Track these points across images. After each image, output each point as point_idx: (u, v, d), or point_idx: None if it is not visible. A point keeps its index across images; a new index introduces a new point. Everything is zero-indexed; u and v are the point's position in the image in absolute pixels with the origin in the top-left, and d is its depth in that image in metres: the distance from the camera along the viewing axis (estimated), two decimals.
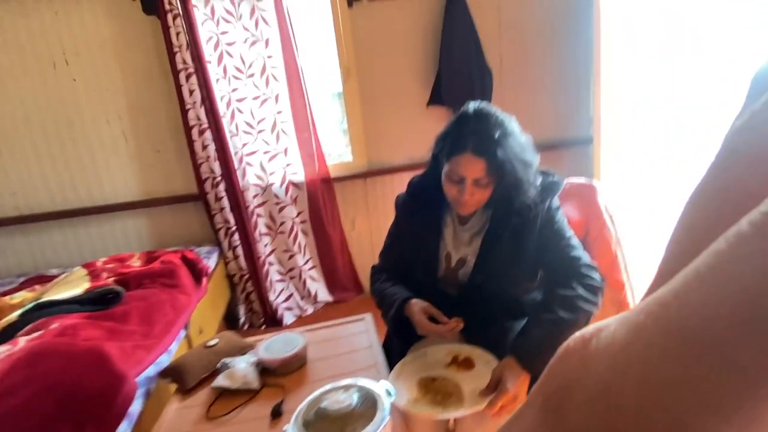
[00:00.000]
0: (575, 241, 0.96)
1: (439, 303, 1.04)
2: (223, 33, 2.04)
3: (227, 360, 1.05)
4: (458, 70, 2.30)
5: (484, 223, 1.00)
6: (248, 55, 2.08)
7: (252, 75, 2.10)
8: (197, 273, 1.82)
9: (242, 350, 1.12)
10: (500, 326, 0.99)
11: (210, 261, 2.02)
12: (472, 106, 0.94)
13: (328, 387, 0.79)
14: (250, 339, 1.20)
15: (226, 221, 2.13)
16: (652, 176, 1.98)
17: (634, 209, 1.94)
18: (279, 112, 2.16)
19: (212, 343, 1.13)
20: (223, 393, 0.99)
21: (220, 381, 0.99)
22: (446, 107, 2.34)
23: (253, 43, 2.07)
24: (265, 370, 1.04)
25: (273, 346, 1.08)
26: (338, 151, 2.61)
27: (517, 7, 2.37)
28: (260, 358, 1.03)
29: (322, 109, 2.48)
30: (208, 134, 2.04)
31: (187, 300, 1.64)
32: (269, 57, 2.10)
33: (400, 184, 1.96)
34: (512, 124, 0.92)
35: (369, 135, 2.38)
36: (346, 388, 0.77)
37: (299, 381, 1.01)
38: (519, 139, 0.92)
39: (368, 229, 2.49)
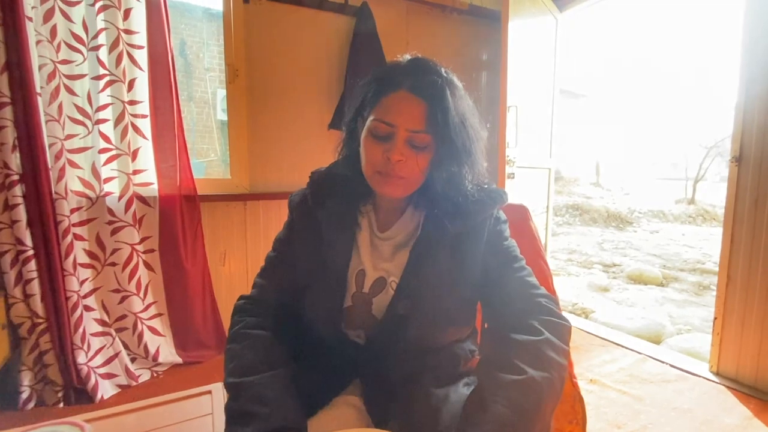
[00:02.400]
0: (527, 266, 0.69)
1: (338, 358, 0.66)
2: None
3: None
4: None
5: (413, 231, 0.69)
6: (95, 21, 1.55)
7: (97, 47, 1.56)
8: None
9: None
10: (426, 395, 0.62)
11: None
12: (406, 55, 0.67)
13: None
14: None
15: (19, 241, 1.42)
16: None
17: None
18: (132, 102, 1.63)
19: None
20: None
21: None
22: None
23: (105, 9, 1.56)
24: None
25: None
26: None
27: (424, 47, 2.34)
28: None
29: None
30: (7, 112, 1.39)
31: None
32: (126, 31, 1.60)
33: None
34: (458, 80, 0.66)
35: (255, 149, 1.98)
36: None
37: None
38: (467, 98, 0.66)
39: (243, 265, 1.98)
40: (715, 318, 1.73)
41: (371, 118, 0.62)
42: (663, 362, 1.84)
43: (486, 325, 0.88)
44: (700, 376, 1.70)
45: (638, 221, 8.50)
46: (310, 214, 0.69)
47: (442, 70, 0.63)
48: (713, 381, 1.67)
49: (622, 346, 2.02)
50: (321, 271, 0.67)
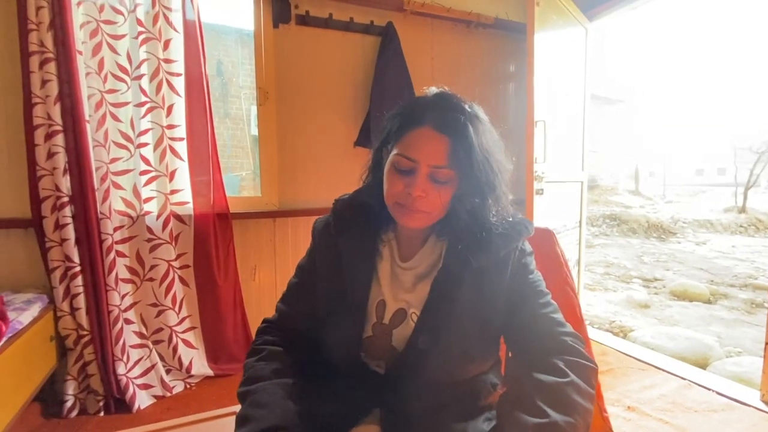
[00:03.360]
0: (553, 301, 0.67)
1: (357, 387, 0.66)
2: (108, 22, 1.63)
3: None
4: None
5: (435, 261, 0.68)
6: (138, 52, 1.66)
7: (140, 77, 1.67)
8: None
9: None
10: (445, 429, 0.61)
11: (25, 314, 1.38)
12: (432, 88, 0.68)
13: None
14: None
15: (67, 258, 1.53)
16: None
17: None
18: (170, 127, 1.73)
19: None
20: None
21: None
22: None
23: (147, 41, 1.67)
24: None
25: None
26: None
27: (449, 63, 2.35)
28: None
29: None
30: (59, 139, 1.51)
31: None
32: (166, 60, 1.71)
33: None
34: (483, 114, 0.66)
35: (284, 168, 2.04)
36: None
37: None
38: (492, 131, 0.66)
39: (272, 281, 2.03)
40: (767, 342, 1.60)
41: (394, 152, 0.63)
42: (709, 389, 1.71)
43: (510, 354, 0.86)
44: (750, 406, 1.58)
45: (683, 232, 8.03)
46: (332, 241, 0.71)
47: (466, 105, 0.64)
48: (765, 411, 1.54)
49: (664, 371, 1.90)
50: (341, 300, 0.68)
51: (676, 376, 1.85)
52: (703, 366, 2.19)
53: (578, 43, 2.40)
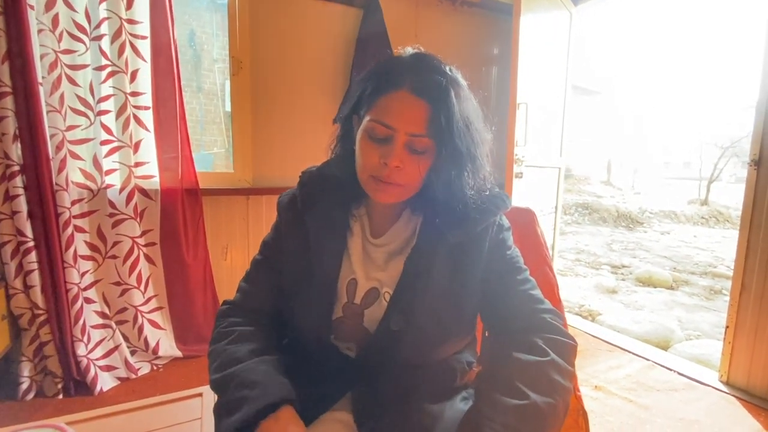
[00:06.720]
0: (531, 277, 0.65)
1: (327, 370, 0.63)
2: None
3: None
4: None
5: (409, 238, 0.65)
6: (98, 10, 1.53)
7: (99, 37, 1.54)
8: None
9: None
10: (420, 412, 0.58)
11: None
12: (408, 48, 0.63)
13: None
14: None
15: (20, 232, 1.42)
16: None
17: None
18: (134, 94, 1.61)
19: None
20: None
21: None
22: None
23: None
24: None
25: None
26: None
27: (434, 41, 2.29)
28: None
29: None
30: (8, 102, 1.37)
31: None
32: (129, 21, 1.58)
33: None
34: (462, 78, 0.61)
35: (258, 143, 1.95)
36: None
37: None
38: (472, 98, 0.61)
39: (245, 260, 1.97)
40: (727, 326, 1.68)
41: (368, 118, 0.57)
42: (671, 369, 1.79)
43: (486, 334, 0.85)
44: (709, 386, 1.65)
45: (649, 222, 8.35)
46: (299, 217, 0.66)
47: (447, 68, 0.59)
48: (723, 391, 1.62)
49: (630, 352, 1.97)
50: (309, 278, 0.63)
51: (641, 357, 1.92)
52: (665, 348, 2.29)
53: (562, 27, 2.38)
